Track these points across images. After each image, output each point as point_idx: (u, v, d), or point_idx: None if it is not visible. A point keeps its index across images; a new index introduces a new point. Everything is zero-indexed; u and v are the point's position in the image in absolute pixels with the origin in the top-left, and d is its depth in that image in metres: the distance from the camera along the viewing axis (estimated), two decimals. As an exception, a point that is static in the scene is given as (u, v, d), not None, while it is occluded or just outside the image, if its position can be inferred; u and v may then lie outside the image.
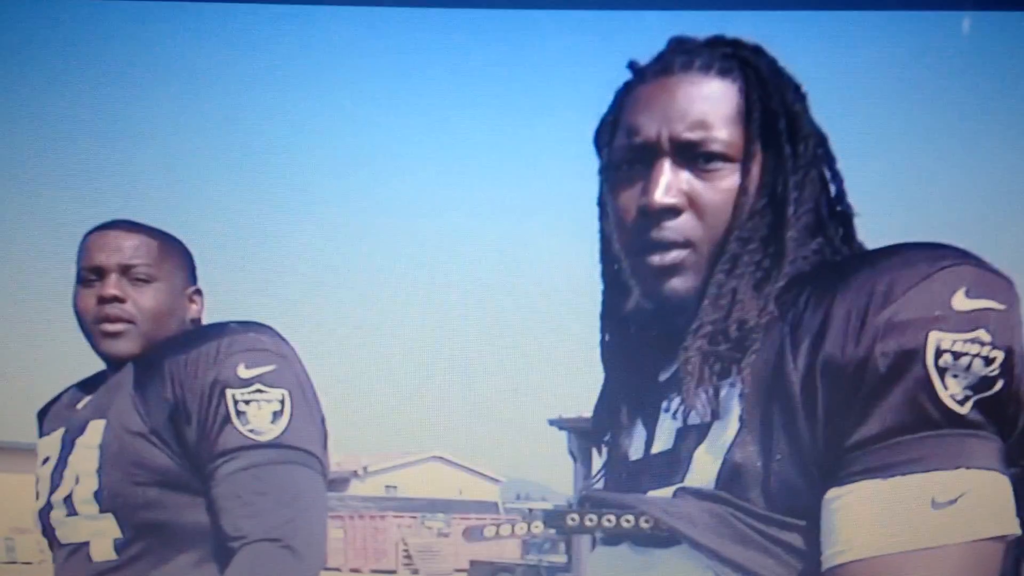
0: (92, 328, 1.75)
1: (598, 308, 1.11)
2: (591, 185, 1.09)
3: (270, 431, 1.64)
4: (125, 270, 1.74)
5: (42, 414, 1.90)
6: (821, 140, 1.03)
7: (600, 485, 1.10)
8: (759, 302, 0.96)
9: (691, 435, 0.96)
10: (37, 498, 1.78)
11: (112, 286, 1.73)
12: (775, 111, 1.00)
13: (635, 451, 1.04)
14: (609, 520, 0.94)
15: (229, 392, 1.63)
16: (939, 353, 0.85)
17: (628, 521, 0.93)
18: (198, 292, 1.84)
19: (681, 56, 1.02)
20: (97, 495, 1.67)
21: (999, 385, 0.85)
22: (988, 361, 0.85)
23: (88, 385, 1.83)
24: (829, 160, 1.03)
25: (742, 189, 0.99)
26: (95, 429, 1.71)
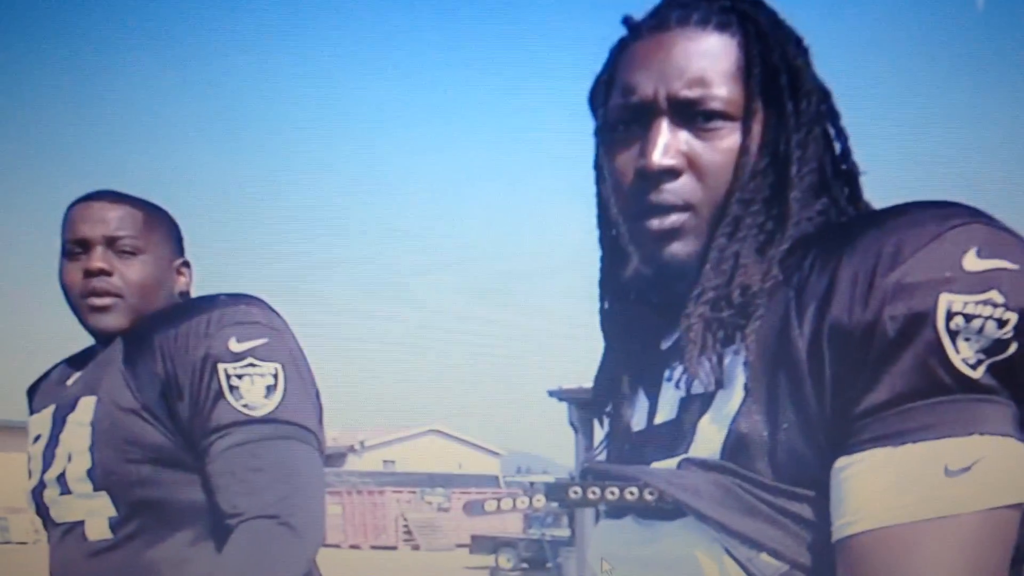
0: (79, 302, 1.73)
1: (596, 275, 1.08)
2: (587, 148, 1.06)
3: (264, 406, 1.62)
4: (111, 242, 1.72)
5: (32, 391, 1.89)
6: (824, 96, 1.00)
7: (602, 457, 1.08)
8: (762, 266, 0.93)
9: (695, 405, 0.94)
10: (30, 477, 1.77)
11: (98, 259, 1.71)
12: (776, 66, 0.97)
13: (637, 422, 1.03)
14: (612, 492, 0.92)
15: (221, 366, 1.61)
16: (950, 316, 0.82)
17: (632, 493, 0.91)
18: (186, 264, 1.82)
19: (677, 10, 1.00)
20: (90, 473, 1.67)
21: (1013, 348, 0.83)
22: (1001, 323, 0.82)
23: (77, 361, 1.82)
24: (833, 116, 1.01)
25: (743, 148, 0.96)
26: (86, 406, 1.69)
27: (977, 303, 0.82)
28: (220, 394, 1.61)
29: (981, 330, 0.82)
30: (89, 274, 1.71)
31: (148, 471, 1.65)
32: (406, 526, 28.05)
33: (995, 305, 0.82)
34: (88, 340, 1.79)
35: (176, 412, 1.64)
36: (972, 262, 0.83)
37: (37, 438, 1.77)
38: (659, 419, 0.99)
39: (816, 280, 0.88)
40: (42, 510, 1.75)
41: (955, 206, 0.87)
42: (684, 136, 0.96)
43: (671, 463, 0.93)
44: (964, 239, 0.84)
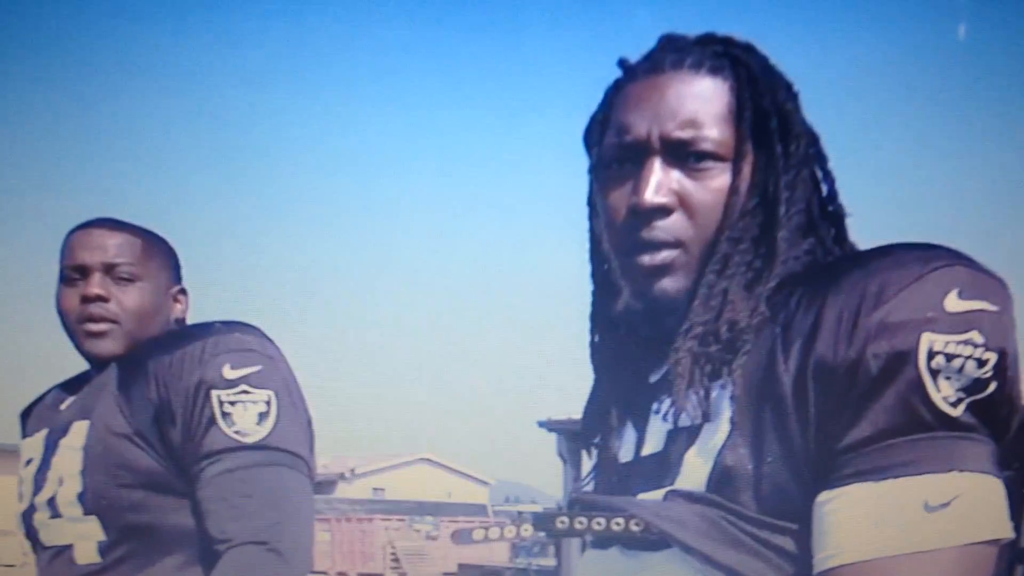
0: (75, 328, 1.74)
1: (588, 309, 1.10)
2: (581, 184, 1.08)
3: (256, 432, 1.63)
4: (109, 269, 1.73)
5: (25, 415, 1.89)
6: (813, 139, 1.02)
7: (590, 487, 1.09)
8: (750, 303, 0.95)
9: (682, 437, 0.95)
10: (20, 500, 1.77)
11: (95, 285, 1.72)
12: (766, 110, 0.99)
13: (625, 453, 1.04)
14: (599, 523, 0.93)
15: (214, 393, 1.62)
16: (931, 355, 0.84)
17: (618, 524, 0.92)
18: (183, 292, 1.83)
19: (672, 54, 1.02)
20: (81, 497, 1.66)
21: (992, 387, 0.85)
22: (981, 363, 0.84)
23: (72, 386, 1.82)
24: (821, 159, 1.03)
25: (733, 189, 0.98)
26: (79, 430, 1.69)
27: (958, 343, 0.84)
28: (213, 420, 1.62)
29: (962, 369, 0.84)
30: (86, 300, 1.71)
31: (139, 496, 1.65)
32: (394, 554, 27.78)
33: (975, 345, 0.84)
34: (83, 365, 1.80)
35: (168, 438, 1.64)
36: (954, 303, 0.85)
37: (29, 461, 1.77)
38: (646, 451, 1.00)
39: (802, 318, 0.90)
40: (32, 533, 1.75)
41: (938, 248, 0.89)
42: (676, 175, 0.98)
43: (657, 495, 0.94)
44: (946, 280, 0.86)
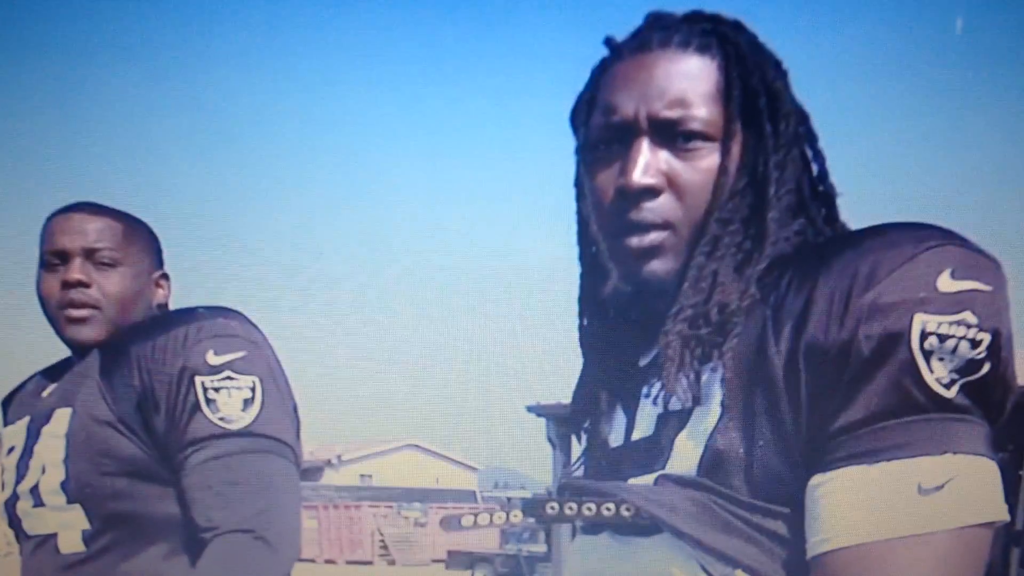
0: (56, 314, 1.72)
1: (576, 292, 1.09)
2: (568, 165, 1.07)
3: (241, 419, 1.62)
4: (89, 254, 1.71)
5: (6, 402, 1.88)
6: (803, 118, 1.01)
7: (580, 473, 1.08)
8: (740, 285, 0.94)
9: (672, 421, 0.95)
10: (3, 488, 1.76)
11: (76, 270, 1.70)
12: (755, 89, 0.98)
13: (615, 438, 1.03)
14: (589, 508, 0.92)
15: (198, 379, 1.61)
16: (924, 336, 0.83)
17: (609, 509, 0.91)
18: (165, 277, 1.81)
19: (659, 32, 1.00)
20: (64, 485, 1.65)
21: (986, 368, 0.84)
22: (974, 344, 0.83)
23: (53, 372, 1.81)
24: (811, 139, 1.02)
25: (722, 169, 0.97)
26: (61, 418, 1.68)
27: (951, 323, 0.83)
28: (197, 407, 1.61)
29: (955, 350, 0.83)
30: (67, 285, 1.70)
31: (123, 484, 1.64)
32: (382, 541, 27.86)
33: (969, 326, 0.83)
34: (64, 351, 1.78)
35: (152, 425, 1.63)
36: (946, 283, 0.84)
37: (11, 450, 1.76)
38: (636, 435, 0.99)
39: (793, 299, 0.89)
40: (15, 522, 1.74)
41: (930, 228, 0.89)
42: (664, 156, 0.97)
43: (648, 479, 0.93)
44: (938, 260, 0.85)
